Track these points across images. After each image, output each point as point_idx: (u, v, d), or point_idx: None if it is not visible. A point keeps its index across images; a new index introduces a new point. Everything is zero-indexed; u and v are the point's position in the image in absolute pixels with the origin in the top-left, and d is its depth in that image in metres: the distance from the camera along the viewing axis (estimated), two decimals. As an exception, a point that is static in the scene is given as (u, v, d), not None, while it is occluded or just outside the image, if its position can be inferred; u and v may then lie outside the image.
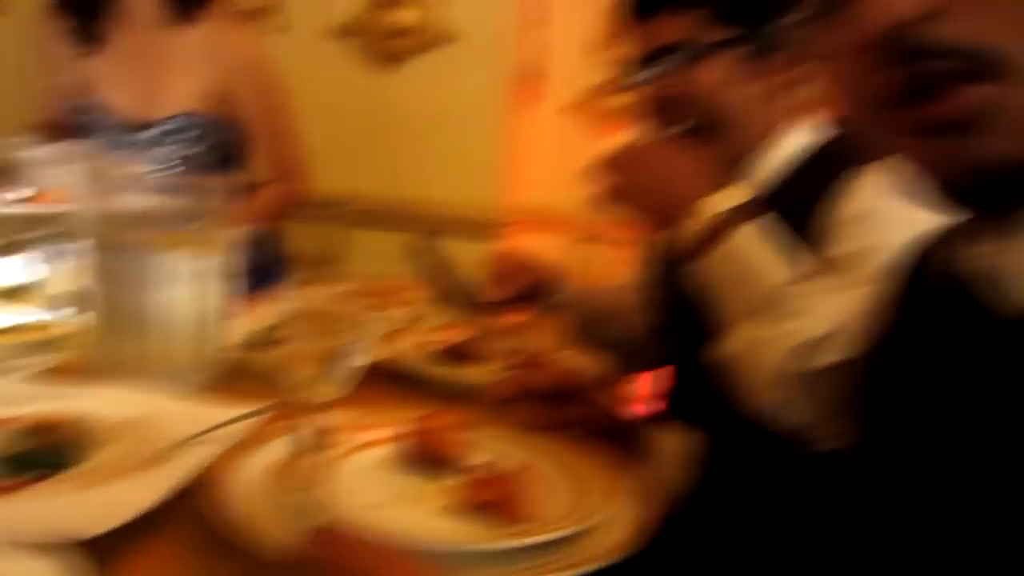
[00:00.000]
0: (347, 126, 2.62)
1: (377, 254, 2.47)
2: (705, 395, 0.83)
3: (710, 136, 0.85)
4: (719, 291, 0.79)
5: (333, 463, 0.64)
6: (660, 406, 1.02)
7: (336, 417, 0.69)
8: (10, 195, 1.13)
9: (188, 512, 0.57)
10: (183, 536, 0.56)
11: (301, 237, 2.35)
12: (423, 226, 2.30)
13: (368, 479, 0.65)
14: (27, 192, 1.15)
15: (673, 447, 0.75)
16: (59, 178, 1.15)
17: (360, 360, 0.89)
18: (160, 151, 1.64)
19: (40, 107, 1.79)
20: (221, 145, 1.71)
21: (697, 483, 0.71)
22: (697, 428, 0.77)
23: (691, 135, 0.85)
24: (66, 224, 0.97)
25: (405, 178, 2.66)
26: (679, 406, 0.97)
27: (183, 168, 1.62)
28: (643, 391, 1.16)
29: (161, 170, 1.50)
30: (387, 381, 0.92)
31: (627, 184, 0.83)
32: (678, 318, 0.97)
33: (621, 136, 0.95)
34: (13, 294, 1.12)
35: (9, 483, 0.56)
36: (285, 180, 1.76)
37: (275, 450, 0.64)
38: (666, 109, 0.87)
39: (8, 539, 0.48)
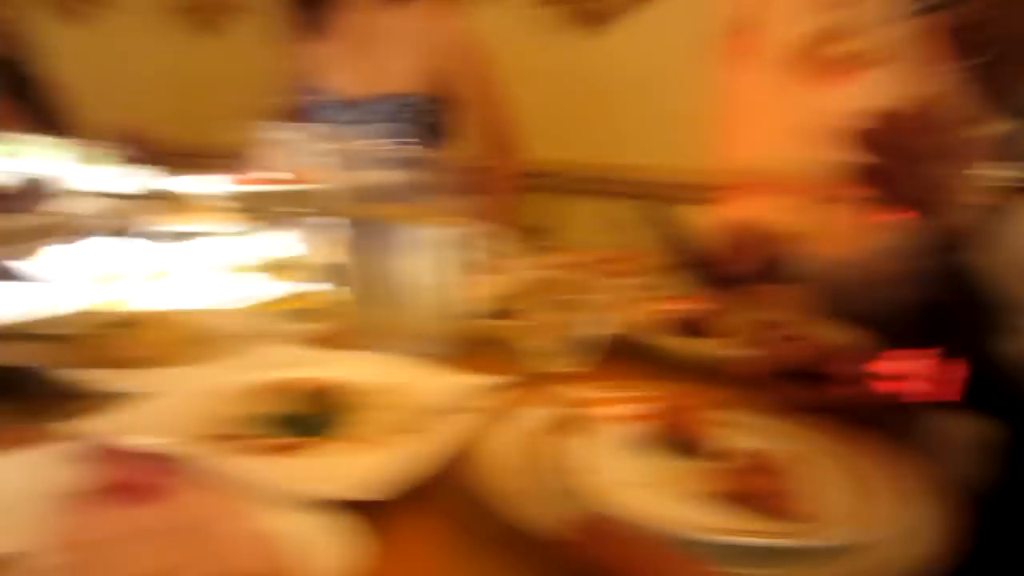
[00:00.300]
0: (553, 92, 2.61)
1: (591, 223, 2.46)
2: (995, 383, 0.70)
3: (1017, 74, 0.71)
4: (1004, 278, 0.66)
5: (577, 439, 0.61)
6: (941, 390, 0.89)
7: (577, 391, 0.68)
8: (265, 176, 1.22)
9: (442, 481, 0.57)
10: (437, 503, 0.56)
11: (519, 208, 2.38)
12: (643, 193, 2.24)
13: (614, 457, 0.61)
14: (279, 173, 1.24)
15: (963, 436, 0.65)
16: (306, 159, 1.22)
17: (598, 332, 0.87)
18: (379, 129, 1.75)
19: (278, 94, 1.96)
20: (434, 122, 1.77)
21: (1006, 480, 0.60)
22: (990, 416, 0.66)
23: (990, 73, 0.71)
24: (317, 201, 1.03)
25: (615, 144, 2.60)
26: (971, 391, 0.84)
27: (402, 145, 1.71)
28: (914, 371, 1.03)
29: (383, 148, 1.58)
30: (624, 354, 0.89)
31: (882, 165, 0.70)
32: (954, 298, 0.84)
33: (853, 89, 0.82)
34: (275, 267, 1.22)
35: (282, 442, 0.59)
36: (500, 155, 1.79)
37: (522, 423, 0.63)
38: (965, 40, 0.73)
39: (283, 494, 0.51)
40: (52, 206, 0.66)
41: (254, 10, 3.05)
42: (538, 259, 1.14)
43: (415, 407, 0.65)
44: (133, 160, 1.25)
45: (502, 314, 0.95)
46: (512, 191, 1.85)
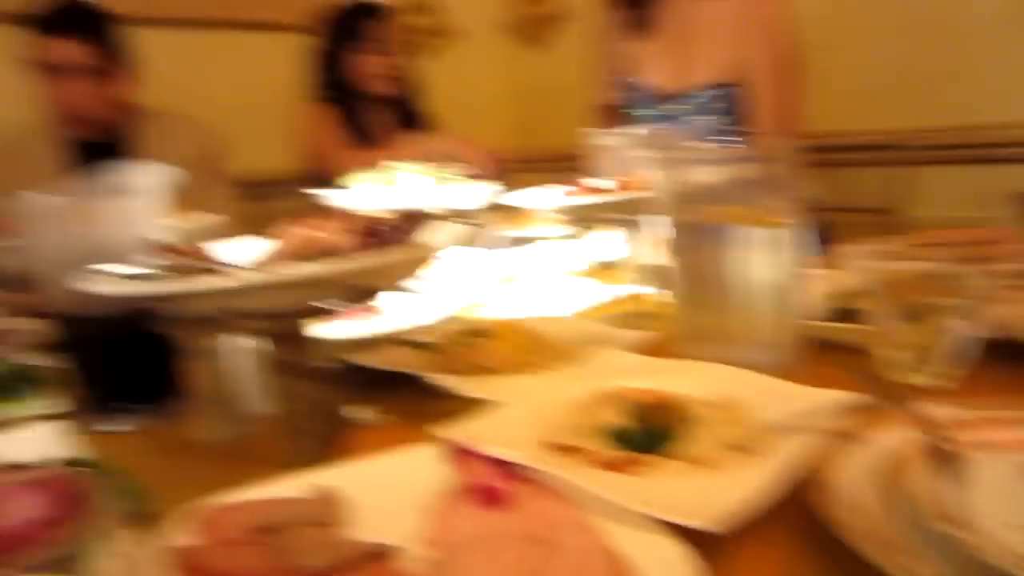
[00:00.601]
0: (899, 52, 2.31)
1: (950, 198, 2.13)
2: None
3: None
4: None
5: (951, 472, 0.53)
6: None
7: (948, 410, 0.59)
8: (596, 183, 1.25)
9: (783, 512, 0.53)
10: (777, 537, 0.53)
11: (854, 185, 2.16)
12: (1017, 157, 1.89)
13: (1002, 498, 0.52)
14: (609, 179, 1.26)
15: None
16: (633, 162, 1.24)
17: (969, 334, 0.75)
18: (694, 121, 1.72)
19: (600, 95, 2.02)
20: (745, 112, 1.70)
21: None
22: None
23: None
24: (646, 205, 1.04)
25: (974, 102, 2.21)
26: None
27: (725, 141, 1.68)
28: None
29: (708, 146, 1.57)
30: (1007, 362, 0.75)
31: None
32: None
33: None
34: (608, 271, 1.27)
35: (619, 456, 0.60)
36: (785, 141, 1.70)
37: (879, 449, 0.56)
38: None
39: (622, 512, 0.51)
40: (424, 229, 0.75)
41: (578, 18, 3.19)
42: (888, 247, 1.02)
43: (754, 425, 0.62)
44: (479, 176, 1.38)
45: (849, 317, 0.87)
46: (804, 179, 1.73)
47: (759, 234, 0.83)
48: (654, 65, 1.82)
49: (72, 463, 0.58)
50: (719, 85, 1.71)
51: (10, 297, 1.03)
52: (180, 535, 0.52)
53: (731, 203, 0.87)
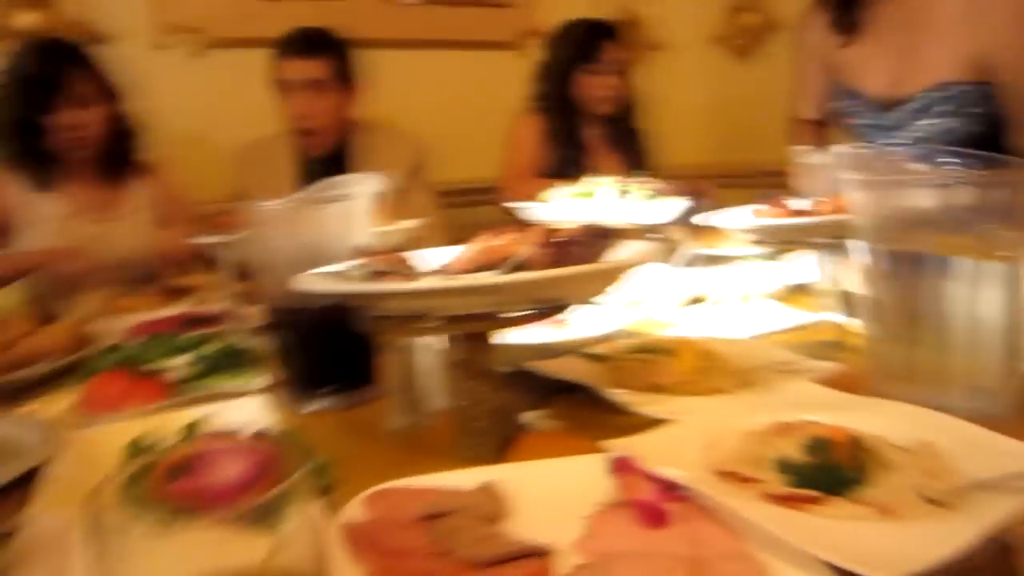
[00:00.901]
0: None
1: None
2: None
3: None
4: None
5: None
6: None
7: None
8: (796, 205, 1.19)
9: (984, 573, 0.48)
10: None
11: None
12: None
13: None
14: (811, 200, 1.19)
15: None
16: (839, 182, 1.16)
17: None
18: (918, 128, 1.55)
19: (800, 108, 1.89)
20: (984, 116, 1.50)
21: None
22: None
23: None
24: (848, 229, 0.97)
25: None
26: None
27: (946, 146, 1.49)
28: None
29: (923, 150, 1.40)
30: None
31: None
32: None
33: None
34: (799, 295, 1.19)
35: (794, 492, 0.56)
36: None
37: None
38: None
39: (790, 549, 0.48)
40: (613, 245, 0.76)
41: (789, 28, 3.03)
42: None
43: (954, 478, 0.55)
44: (674, 193, 1.36)
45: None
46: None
47: (985, 267, 0.74)
48: (872, 69, 1.65)
49: (273, 434, 0.65)
50: (951, 84, 1.51)
51: (235, 285, 1.17)
52: (355, 511, 0.56)
53: (953, 232, 0.79)
